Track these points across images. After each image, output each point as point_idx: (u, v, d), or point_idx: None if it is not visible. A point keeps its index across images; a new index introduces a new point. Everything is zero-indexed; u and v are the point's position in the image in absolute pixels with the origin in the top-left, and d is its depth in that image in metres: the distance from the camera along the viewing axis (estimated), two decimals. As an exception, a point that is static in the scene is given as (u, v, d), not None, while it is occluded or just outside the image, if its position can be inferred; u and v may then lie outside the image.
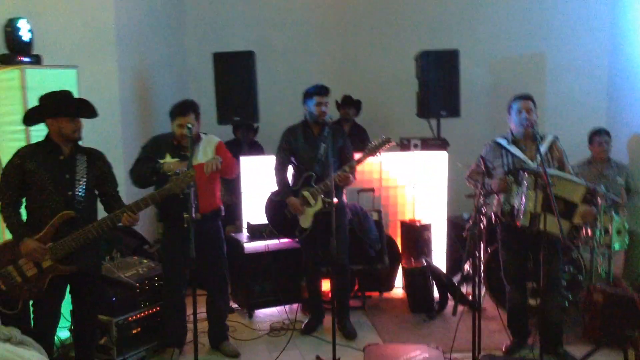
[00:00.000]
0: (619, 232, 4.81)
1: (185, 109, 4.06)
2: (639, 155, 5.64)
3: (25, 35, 4.36)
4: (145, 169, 3.94)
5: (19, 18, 4.33)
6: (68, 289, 3.57)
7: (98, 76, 4.94)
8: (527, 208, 3.93)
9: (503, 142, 4.24)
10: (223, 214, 4.35)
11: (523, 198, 3.95)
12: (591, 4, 6.28)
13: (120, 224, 3.46)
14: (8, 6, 4.61)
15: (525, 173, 3.96)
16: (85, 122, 4.01)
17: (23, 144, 3.83)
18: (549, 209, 3.73)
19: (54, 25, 4.86)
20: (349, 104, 6.40)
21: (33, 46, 4.41)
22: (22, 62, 4.26)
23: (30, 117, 3.46)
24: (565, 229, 3.85)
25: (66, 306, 3.67)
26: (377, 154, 4.49)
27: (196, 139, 4.09)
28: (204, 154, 4.15)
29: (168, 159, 4.04)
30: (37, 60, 4.40)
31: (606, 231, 4.77)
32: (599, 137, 5.42)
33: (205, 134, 4.30)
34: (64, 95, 3.43)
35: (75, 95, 3.74)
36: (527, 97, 4.18)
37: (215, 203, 4.23)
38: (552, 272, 4.13)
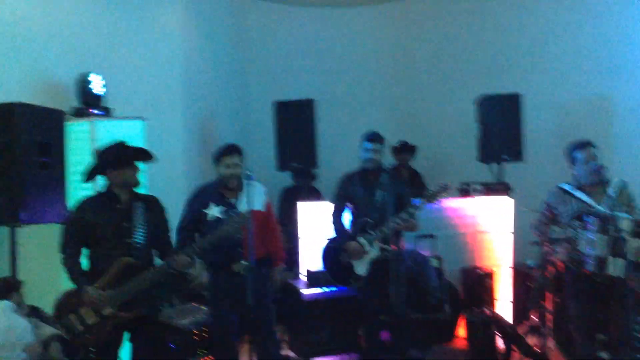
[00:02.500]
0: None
1: (232, 149, 4.11)
2: None
3: (97, 89, 4.62)
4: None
5: (90, 72, 4.59)
6: (128, 337, 3.64)
7: (164, 127, 5.15)
8: (595, 253, 3.79)
9: (568, 187, 4.12)
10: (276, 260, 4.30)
11: (590, 244, 3.83)
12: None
13: (174, 269, 3.50)
14: (81, 60, 4.90)
15: (592, 216, 3.85)
16: (153, 171, 4.18)
17: (91, 193, 3.99)
18: (615, 252, 3.63)
19: (125, 78, 5.12)
20: (406, 150, 6.39)
21: (104, 99, 4.66)
22: (92, 115, 4.49)
23: (90, 174, 3.58)
24: (623, 266, 3.73)
25: (126, 353, 3.73)
26: (436, 200, 4.42)
27: (239, 185, 4.11)
28: (252, 201, 4.00)
29: (212, 207, 4.08)
30: (107, 113, 4.63)
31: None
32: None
33: (249, 181, 4.31)
34: (121, 145, 3.57)
35: (142, 145, 3.90)
36: (588, 144, 4.07)
37: (262, 250, 4.13)
38: (625, 325, 3.91)
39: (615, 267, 3.73)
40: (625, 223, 3.79)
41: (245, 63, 7.25)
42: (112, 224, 3.47)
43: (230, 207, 3.97)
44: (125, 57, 5.26)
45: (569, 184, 4.15)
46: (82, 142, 4.40)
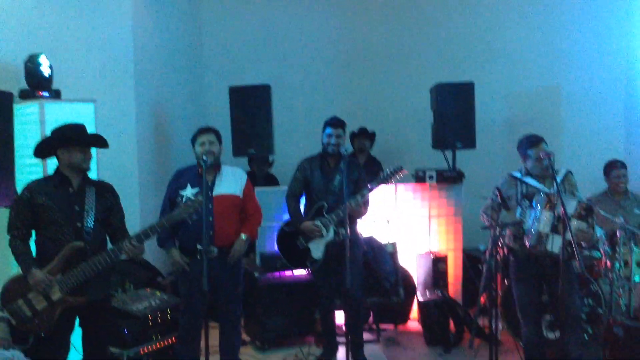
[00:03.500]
0: (638, 264, 4.74)
1: (207, 128, 4.15)
2: (657, 186, 5.56)
3: (45, 70, 4.48)
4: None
5: (40, 54, 4.46)
6: (78, 322, 3.57)
7: (115, 110, 5.05)
8: (537, 228, 3.96)
9: (518, 175, 4.26)
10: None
11: (534, 220, 3.98)
12: (606, 36, 6.29)
13: (123, 257, 3.45)
14: (28, 42, 4.75)
15: (541, 194, 4.01)
16: (103, 155, 4.11)
17: (40, 176, 3.89)
18: (557, 230, 3.82)
19: (73, 60, 4.99)
20: (364, 136, 6.43)
21: (52, 81, 4.53)
22: (41, 97, 4.36)
23: (42, 149, 3.50)
24: (559, 243, 3.88)
25: (78, 338, 3.67)
26: (390, 182, 4.46)
27: (216, 165, 4.11)
28: (228, 186, 4.14)
29: (188, 189, 4.06)
30: (56, 95, 4.51)
31: (626, 263, 4.70)
32: (615, 170, 5.35)
33: (231, 166, 4.31)
34: (76, 126, 3.50)
35: (92, 128, 3.82)
36: (539, 141, 4.19)
37: (234, 239, 4.14)
38: (570, 305, 4.07)
39: (554, 244, 3.89)
40: (571, 205, 3.93)
41: (199, 48, 7.16)
42: (62, 207, 3.39)
43: (205, 189, 3.91)
44: (75, 38, 5.12)
45: (519, 172, 4.28)
46: (31, 124, 4.27)
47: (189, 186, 4.07)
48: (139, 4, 5.47)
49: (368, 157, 6.44)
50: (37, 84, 4.44)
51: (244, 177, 4.29)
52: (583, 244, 4.09)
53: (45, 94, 4.42)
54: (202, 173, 4.00)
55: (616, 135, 6.24)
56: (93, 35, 5.18)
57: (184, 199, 3.95)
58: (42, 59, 4.47)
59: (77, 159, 3.42)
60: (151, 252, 3.93)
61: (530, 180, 4.19)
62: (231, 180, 4.18)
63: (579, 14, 6.38)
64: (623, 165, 5.37)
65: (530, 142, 4.22)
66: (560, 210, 3.88)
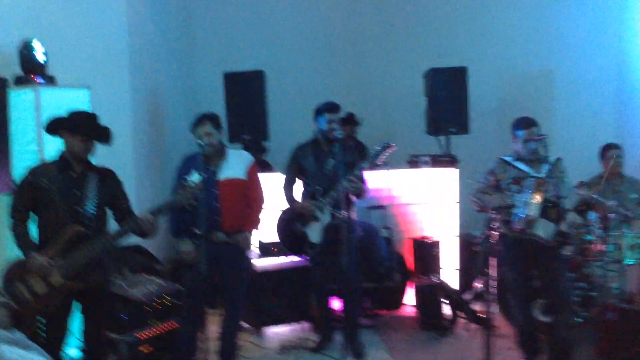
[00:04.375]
0: (631, 247, 4.79)
1: (202, 117, 4.07)
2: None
3: (40, 56, 4.44)
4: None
5: (34, 39, 4.42)
6: (77, 307, 3.59)
7: (110, 97, 5.01)
8: (526, 212, 4.01)
9: (509, 159, 4.29)
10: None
11: (524, 205, 4.02)
12: (599, 20, 6.31)
13: (141, 230, 3.45)
14: (23, 28, 4.71)
15: (530, 178, 4.06)
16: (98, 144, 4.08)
17: (36, 162, 3.88)
18: (544, 213, 3.93)
19: (68, 46, 4.95)
20: (352, 122, 6.40)
21: (47, 67, 4.50)
22: (36, 83, 4.34)
23: (50, 126, 3.50)
24: (553, 231, 3.97)
25: (77, 324, 3.69)
26: (381, 160, 4.44)
27: (220, 152, 4.09)
28: (233, 169, 4.10)
29: (195, 175, 4.03)
30: (51, 81, 4.48)
31: (618, 247, 4.76)
32: (611, 151, 5.39)
33: (237, 149, 4.30)
34: (89, 116, 3.53)
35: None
36: (531, 124, 4.22)
37: (242, 223, 4.12)
38: (560, 289, 4.14)
39: (543, 229, 3.94)
40: (573, 197, 3.99)
41: (192, 34, 7.13)
42: (63, 191, 3.40)
43: (210, 175, 3.92)
44: (69, 23, 5.06)
45: (510, 156, 4.32)
46: (26, 111, 4.24)
47: (194, 172, 4.02)
48: (133, -10, 5.44)
49: (355, 142, 6.43)
50: (32, 70, 4.40)
51: (249, 159, 4.24)
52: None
53: (40, 80, 4.39)
54: (207, 160, 3.99)
55: (608, 120, 6.29)
56: (87, 21, 5.13)
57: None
58: (37, 44, 4.43)
59: (78, 148, 3.43)
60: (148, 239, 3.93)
61: (520, 165, 4.23)
62: (235, 164, 4.14)
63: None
64: (618, 148, 5.41)
65: (521, 124, 4.25)
66: (550, 195, 3.95)
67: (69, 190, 3.42)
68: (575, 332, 4.45)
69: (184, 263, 4.07)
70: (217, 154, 4.06)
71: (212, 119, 4.10)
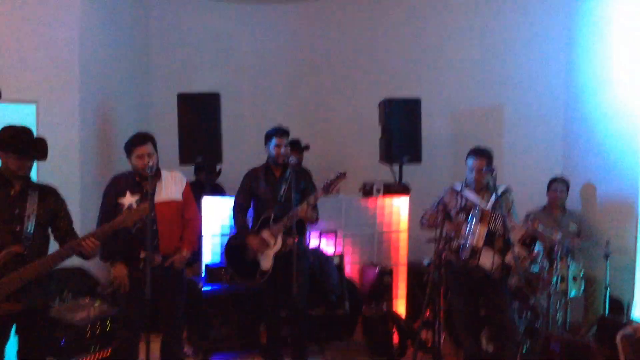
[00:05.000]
0: (574, 279, 4.91)
1: (143, 138, 3.98)
2: (591, 203, 5.80)
3: (-16, 69, 4.29)
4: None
5: (-21, 51, 4.28)
6: (14, 330, 3.41)
7: (58, 112, 4.89)
8: (471, 242, 4.12)
9: (458, 187, 4.38)
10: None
11: (469, 234, 4.14)
12: (547, 56, 6.53)
13: (79, 253, 3.31)
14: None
15: (476, 209, 4.16)
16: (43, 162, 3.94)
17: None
18: (489, 243, 4.05)
19: (16, 59, 4.80)
20: (297, 148, 6.37)
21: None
22: (-21, 96, 4.19)
23: None
24: (497, 263, 4.09)
25: (13, 348, 3.50)
26: (334, 189, 4.44)
27: (157, 174, 4.01)
28: (168, 191, 4.06)
29: (128, 196, 3.95)
30: (-4, 95, 4.33)
31: (562, 278, 4.87)
32: (556, 184, 5.57)
33: (168, 170, 4.22)
34: (17, 131, 3.33)
35: (34, 130, 3.66)
36: (481, 155, 4.31)
37: (178, 245, 4.08)
38: (505, 319, 4.21)
39: (487, 260, 4.01)
40: (519, 229, 4.09)
41: (148, 53, 7.03)
42: (1, 209, 3.24)
43: (145, 196, 3.82)
44: (18, 36, 4.93)
45: (460, 182, 4.41)
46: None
47: (128, 193, 3.96)
48: (87, 5, 5.32)
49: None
50: (-25, 82, 4.25)
51: (183, 179, 4.22)
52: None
53: (-16, 93, 4.23)
54: (140, 181, 3.94)
55: (555, 154, 6.47)
56: (37, 34, 5.00)
57: (125, 207, 3.84)
58: (-18, 56, 4.29)
59: (12, 166, 3.29)
60: (90, 260, 3.79)
61: (468, 194, 4.32)
62: (171, 185, 4.10)
63: (523, 36, 6.60)
64: (564, 182, 5.59)
65: (472, 153, 4.35)
66: (494, 225, 4.05)
67: (7, 209, 3.27)
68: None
69: (117, 287, 3.96)
70: (154, 176, 3.98)
71: (152, 139, 4.04)
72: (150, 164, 3.76)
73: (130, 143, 3.99)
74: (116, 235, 3.69)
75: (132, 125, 6.29)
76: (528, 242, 4.12)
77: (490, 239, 4.12)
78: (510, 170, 6.29)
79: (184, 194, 4.14)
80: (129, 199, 3.92)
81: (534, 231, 4.17)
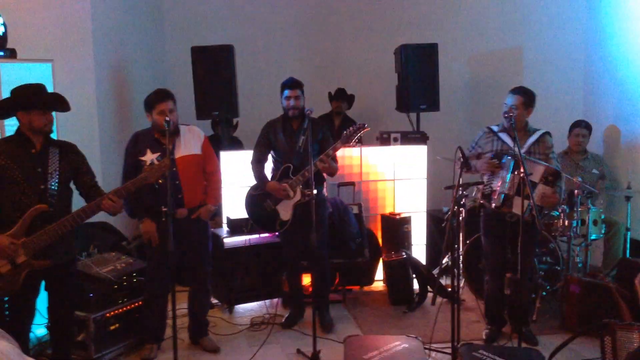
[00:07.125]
0: (595, 223, 4.90)
1: (165, 94, 4.01)
2: (614, 145, 5.72)
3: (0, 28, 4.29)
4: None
5: (-7, 11, 4.27)
6: (43, 285, 3.52)
7: (74, 70, 4.89)
8: (502, 190, 4.05)
9: (495, 128, 4.31)
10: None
11: (501, 181, 4.06)
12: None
13: (102, 211, 3.38)
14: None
15: (509, 157, 4.06)
16: (62, 117, 3.99)
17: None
18: (519, 191, 3.90)
19: (29, 18, 4.78)
20: (342, 97, 6.42)
21: (7, 40, 4.35)
22: (-3, 56, 4.20)
23: (1, 110, 3.39)
24: (526, 207, 3.94)
25: (43, 303, 3.63)
26: (354, 141, 4.44)
27: (176, 130, 4.05)
28: (187, 146, 4.11)
29: (149, 154, 4.00)
30: (11, 54, 4.33)
31: (583, 222, 4.85)
32: (577, 129, 5.50)
33: (186, 124, 4.26)
34: (37, 88, 3.38)
35: (50, 89, 3.69)
36: (516, 92, 4.22)
37: (202, 198, 4.18)
38: (525, 259, 4.20)
39: (517, 204, 3.97)
40: (538, 170, 4.01)
41: (160, 7, 6.95)
42: (24, 168, 3.30)
43: (165, 152, 3.85)
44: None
45: (498, 125, 4.33)
46: (-15, 84, 4.11)
47: (148, 151, 4.01)
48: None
49: (344, 119, 6.43)
50: (-9, 43, 4.26)
51: (201, 134, 4.27)
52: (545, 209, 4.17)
53: (0, 53, 4.24)
54: (159, 137, 4.00)
55: (576, 95, 6.37)
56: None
57: (147, 164, 3.89)
58: (-5, 15, 4.28)
59: (39, 123, 3.33)
60: (115, 216, 3.87)
61: (504, 137, 4.23)
62: (190, 140, 4.16)
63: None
64: (587, 126, 5.51)
65: (511, 89, 4.26)
66: (526, 172, 3.96)
67: (31, 168, 3.32)
68: (529, 296, 4.53)
69: (147, 242, 4.08)
70: (173, 132, 4.00)
71: (173, 96, 4.06)
72: (170, 120, 3.79)
73: (151, 99, 4.01)
74: (141, 192, 3.77)
75: (147, 80, 6.30)
76: (550, 179, 4.04)
77: (520, 185, 4.01)
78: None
79: (203, 147, 4.20)
80: (149, 156, 3.97)
81: (556, 169, 4.10)
